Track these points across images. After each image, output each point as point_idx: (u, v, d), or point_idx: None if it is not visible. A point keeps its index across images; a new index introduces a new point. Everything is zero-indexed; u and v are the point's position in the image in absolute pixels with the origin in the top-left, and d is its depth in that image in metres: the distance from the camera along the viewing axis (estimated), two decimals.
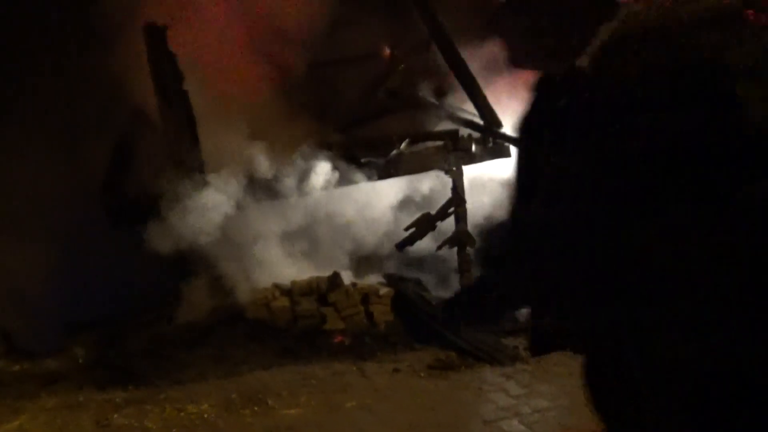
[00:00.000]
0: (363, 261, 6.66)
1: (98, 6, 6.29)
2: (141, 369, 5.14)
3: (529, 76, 7.36)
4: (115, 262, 6.16)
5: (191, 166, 5.90)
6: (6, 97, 6.35)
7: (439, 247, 6.60)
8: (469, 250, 6.54)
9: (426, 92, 7.00)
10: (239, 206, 6.12)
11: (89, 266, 6.20)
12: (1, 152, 6.07)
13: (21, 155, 6.39)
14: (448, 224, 6.51)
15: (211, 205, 5.98)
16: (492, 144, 6.60)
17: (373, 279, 6.35)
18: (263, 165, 6.18)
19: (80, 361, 5.42)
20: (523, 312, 6.20)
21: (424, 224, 6.58)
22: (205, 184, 5.87)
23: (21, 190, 6.17)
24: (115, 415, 4.38)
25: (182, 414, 4.38)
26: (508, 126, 6.66)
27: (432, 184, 6.80)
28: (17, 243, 5.86)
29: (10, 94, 6.34)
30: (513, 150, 6.60)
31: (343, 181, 6.24)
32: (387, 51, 7.92)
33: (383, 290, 5.96)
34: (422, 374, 4.92)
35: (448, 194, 6.41)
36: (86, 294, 6.11)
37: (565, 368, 4.88)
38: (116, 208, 5.77)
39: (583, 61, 1.42)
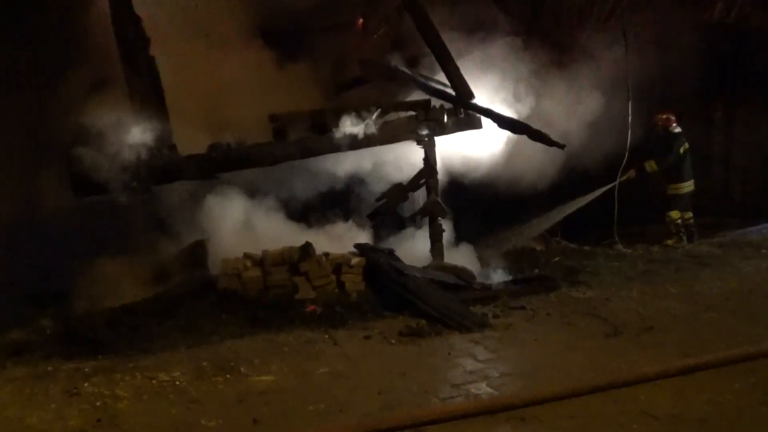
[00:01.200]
0: None
1: None
2: (110, 339, 5.09)
3: (500, 48, 7.43)
4: (79, 233, 6.06)
5: (159, 136, 5.79)
6: None
7: (411, 217, 6.66)
8: (441, 220, 6.62)
9: (398, 62, 6.97)
10: (209, 176, 6.05)
11: (52, 238, 6.08)
12: None
13: None
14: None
15: (181, 174, 5.91)
16: (463, 115, 6.63)
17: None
18: (234, 133, 6.11)
19: (47, 332, 5.34)
20: None
21: (396, 194, 6.63)
22: (174, 152, 5.78)
23: None
24: (85, 384, 4.35)
25: (153, 382, 4.36)
26: (480, 97, 6.70)
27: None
28: None
29: None
30: (485, 121, 6.65)
31: (314, 151, 6.21)
32: (359, 21, 7.85)
33: (355, 260, 5.99)
34: (393, 341, 4.99)
35: None
36: (51, 265, 6.01)
37: (530, 335, 5.03)
38: (80, 176, 5.63)
39: None
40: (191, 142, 5.94)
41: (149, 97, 5.75)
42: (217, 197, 6.55)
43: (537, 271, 6.89)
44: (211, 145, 5.89)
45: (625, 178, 7.90)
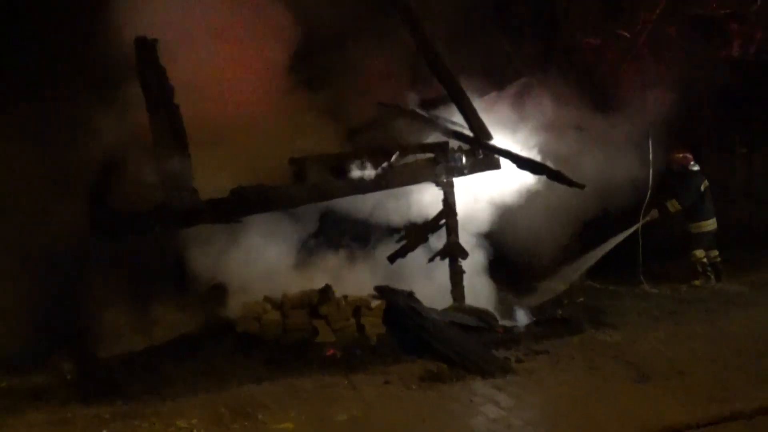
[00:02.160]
0: None
1: (92, 21, 6.34)
2: (129, 383, 5.08)
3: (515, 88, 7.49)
4: (99, 275, 6.13)
5: (181, 180, 5.88)
6: None
7: (431, 259, 6.61)
8: (461, 261, 6.56)
9: (415, 104, 7.05)
10: (229, 220, 6.11)
11: (75, 278, 6.15)
12: None
13: (7, 170, 6.37)
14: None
15: (202, 218, 5.97)
16: (482, 156, 6.64)
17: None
18: (253, 179, 6.18)
19: (68, 376, 5.34)
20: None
21: (416, 236, 6.60)
22: (195, 196, 5.85)
23: (3, 204, 6.13)
24: (104, 431, 4.32)
25: (171, 429, 4.32)
26: (498, 138, 6.72)
27: None
28: (3, 258, 5.82)
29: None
30: (503, 162, 6.64)
31: (333, 193, 6.25)
32: (376, 65, 7.97)
33: (375, 302, 5.93)
34: (413, 386, 4.90)
35: None
36: (72, 306, 6.07)
37: (555, 380, 4.90)
38: (103, 219, 5.72)
39: None
40: (212, 186, 6.02)
41: (172, 142, 5.86)
42: (238, 240, 6.59)
43: (560, 312, 6.76)
44: (233, 189, 5.95)
45: (648, 219, 7.79)
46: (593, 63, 8.93)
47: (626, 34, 8.56)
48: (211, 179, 6.01)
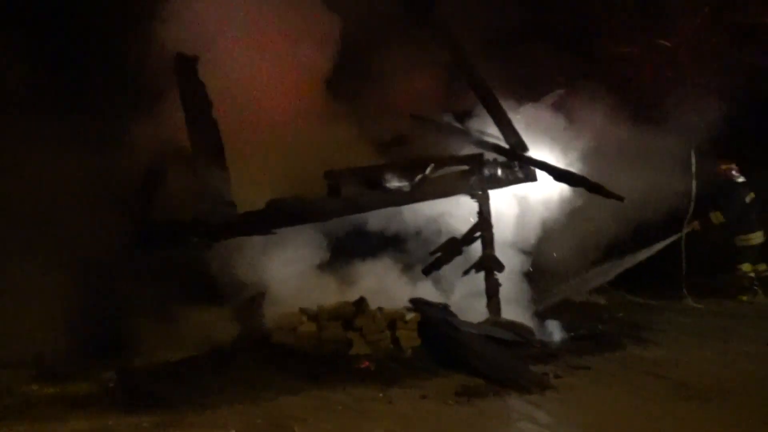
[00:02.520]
0: None
1: (132, 38, 6.54)
2: (168, 393, 5.14)
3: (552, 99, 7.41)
4: (140, 286, 6.26)
5: (219, 193, 5.98)
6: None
7: (466, 272, 6.56)
8: (497, 275, 6.49)
9: (450, 116, 7.03)
10: (265, 232, 6.18)
11: (117, 288, 6.30)
12: (33, 179, 6.27)
13: (50, 181, 6.59)
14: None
15: (239, 230, 6.06)
16: (518, 168, 6.57)
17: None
18: (288, 191, 6.25)
19: (110, 385, 5.45)
20: None
21: (451, 249, 6.56)
22: (233, 209, 5.94)
23: (48, 215, 6.32)
24: None
25: None
26: (535, 149, 6.64)
27: None
28: (48, 268, 6.00)
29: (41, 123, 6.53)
30: (539, 174, 6.56)
31: (368, 206, 6.26)
32: (410, 77, 8.00)
33: (409, 315, 5.91)
34: (449, 401, 4.83)
35: None
36: (115, 316, 6.21)
37: (594, 397, 4.77)
38: (143, 232, 5.86)
39: None
40: (249, 199, 6.11)
41: (210, 156, 5.98)
42: (274, 251, 6.65)
43: (600, 327, 6.60)
44: (268, 201, 6.02)
45: (689, 229, 7.58)
46: (632, 73, 8.77)
47: (667, 43, 8.39)
48: (248, 192, 6.11)
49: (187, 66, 6.02)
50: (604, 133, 7.60)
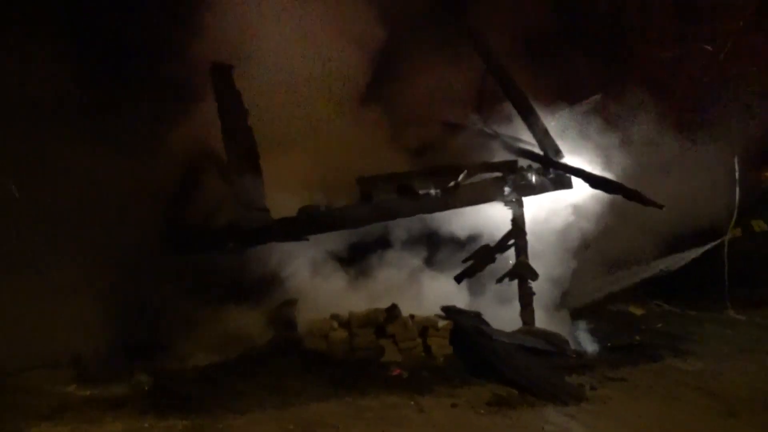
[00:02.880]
0: None
1: (171, 48, 6.69)
2: (201, 396, 5.20)
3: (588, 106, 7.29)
4: (175, 290, 6.36)
5: (253, 199, 6.05)
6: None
7: (499, 280, 6.48)
8: (531, 283, 6.39)
9: (483, 123, 6.98)
10: (298, 238, 6.22)
11: (154, 293, 6.42)
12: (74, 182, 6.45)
13: (90, 187, 6.76)
14: None
15: (272, 236, 6.11)
16: (552, 175, 6.47)
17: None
18: (323, 196, 6.29)
19: (145, 388, 5.54)
20: None
21: (483, 256, 6.49)
22: (267, 215, 6.00)
23: (87, 218, 6.47)
24: None
25: None
26: (570, 156, 6.54)
27: None
28: (86, 272, 6.15)
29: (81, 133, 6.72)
30: (575, 180, 6.45)
31: (400, 212, 6.24)
32: (443, 83, 7.98)
33: (442, 323, 5.87)
34: (481, 410, 4.77)
35: None
36: (151, 320, 6.32)
37: (632, 410, 4.64)
38: (178, 237, 5.95)
39: None
40: (282, 205, 6.16)
41: (245, 163, 6.05)
42: (307, 257, 6.69)
43: (637, 338, 6.44)
44: (301, 208, 6.07)
45: (730, 236, 7.35)
46: (671, 78, 8.57)
47: (708, 47, 8.17)
48: (281, 198, 6.16)
49: (222, 74, 6.13)
50: (641, 139, 7.46)
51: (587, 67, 8.33)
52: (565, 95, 7.53)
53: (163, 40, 6.88)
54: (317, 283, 6.52)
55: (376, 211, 6.22)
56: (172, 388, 5.45)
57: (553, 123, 6.74)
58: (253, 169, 6.10)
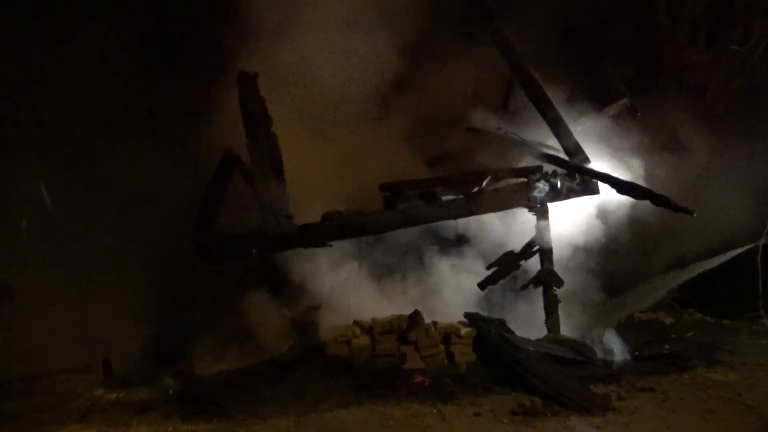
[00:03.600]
0: None
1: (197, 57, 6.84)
2: (225, 401, 5.25)
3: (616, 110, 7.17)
4: (201, 296, 6.45)
5: (277, 205, 6.10)
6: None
7: (523, 287, 6.39)
8: (556, 290, 6.30)
9: (508, 128, 6.92)
10: (322, 244, 6.24)
11: (180, 299, 6.52)
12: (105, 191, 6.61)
13: (123, 194, 6.92)
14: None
15: (296, 242, 6.15)
16: (579, 180, 6.37)
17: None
18: (344, 204, 6.31)
19: (170, 392, 5.61)
20: None
21: (508, 263, 6.41)
22: (290, 221, 6.04)
23: (123, 228, 6.63)
24: None
25: None
26: (597, 162, 6.43)
27: None
28: (116, 279, 6.29)
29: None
30: (602, 187, 6.34)
31: (423, 219, 6.22)
32: (469, 88, 7.95)
33: (464, 330, 5.81)
34: (504, 419, 4.70)
35: None
36: (177, 325, 6.42)
37: (661, 422, 4.52)
38: (206, 244, 6.03)
39: None
40: (306, 211, 6.20)
41: (269, 169, 6.11)
42: (330, 263, 6.71)
43: (667, 347, 6.26)
44: (324, 214, 6.09)
45: (765, 241, 7.11)
46: (703, 81, 8.39)
47: (740, 48, 7.97)
48: (305, 204, 6.21)
49: (248, 82, 6.20)
50: (671, 144, 7.31)
51: (616, 70, 8.21)
52: (593, 99, 7.42)
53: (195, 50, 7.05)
54: (341, 288, 6.53)
55: (399, 218, 6.20)
56: (197, 392, 5.53)
57: (579, 128, 6.64)
58: (277, 175, 6.16)
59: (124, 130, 7.21)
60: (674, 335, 6.71)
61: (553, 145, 6.62)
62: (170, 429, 4.88)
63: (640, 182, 6.28)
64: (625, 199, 6.32)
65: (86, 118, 7.06)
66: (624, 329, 6.88)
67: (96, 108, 7.06)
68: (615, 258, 7.04)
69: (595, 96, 7.53)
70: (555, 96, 6.64)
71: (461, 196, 6.14)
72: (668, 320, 7.15)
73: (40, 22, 6.96)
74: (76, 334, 6.15)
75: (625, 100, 7.58)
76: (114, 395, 5.57)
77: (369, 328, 5.95)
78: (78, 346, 6.12)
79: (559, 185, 6.31)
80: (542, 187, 6.21)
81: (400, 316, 5.93)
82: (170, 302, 6.67)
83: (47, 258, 6.50)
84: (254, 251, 6.14)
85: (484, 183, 6.21)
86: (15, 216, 6.65)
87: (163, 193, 7.07)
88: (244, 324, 6.45)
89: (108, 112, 7.17)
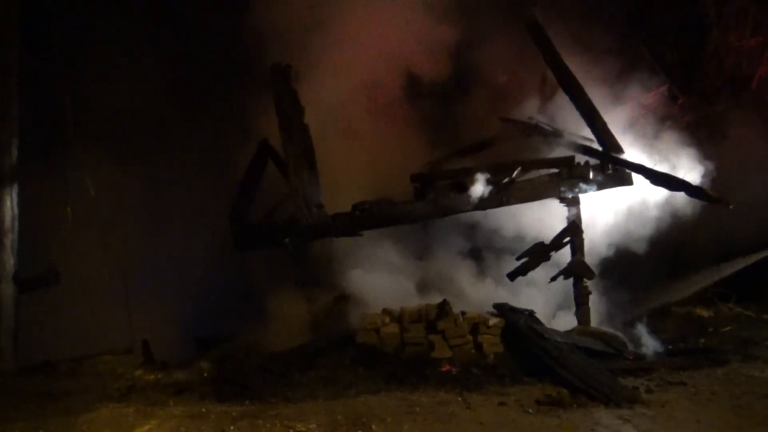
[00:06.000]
0: None
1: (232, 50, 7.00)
2: (257, 385, 5.42)
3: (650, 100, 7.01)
4: (237, 284, 6.65)
5: (310, 196, 6.23)
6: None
7: (553, 279, 6.35)
8: (586, 282, 6.24)
9: (540, 118, 6.85)
10: (353, 233, 6.34)
11: (217, 287, 6.74)
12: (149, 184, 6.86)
13: (167, 187, 7.17)
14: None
15: (328, 231, 6.28)
16: (611, 171, 6.28)
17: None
18: (376, 193, 6.38)
19: (205, 374, 5.82)
20: None
21: (538, 254, 6.38)
22: (323, 211, 6.17)
23: (163, 218, 6.88)
24: (231, 427, 4.64)
25: (291, 431, 4.54)
26: (630, 152, 6.32)
27: None
28: (158, 267, 6.54)
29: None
30: (635, 177, 6.23)
31: (454, 209, 6.25)
32: (503, 78, 7.89)
33: (493, 320, 5.82)
34: (530, 410, 4.70)
35: None
36: (214, 312, 6.64)
37: (691, 415, 4.45)
38: (241, 234, 6.20)
39: None
40: (338, 201, 6.31)
41: (302, 160, 6.24)
42: (362, 252, 6.80)
43: (702, 341, 6.14)
44: (355, 204, 6.18)
45: None
46: (749, 67, 8.10)
47: None
48: (336, 194, 6.31)
49: (281, 74, 6.33)
50: (714, 133, 7.10)
51: (658, 58, 8.01)
52: (634, 87, 7.26)
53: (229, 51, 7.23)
54: (371, 278, 6.62)
55: (429, 208, 6.25)
56: (232, 376, 5.72)
57: (613, 117, 6.52)
58: (310, 166, 6.29)
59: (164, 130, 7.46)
60: (711, 329, 6.57)
61: (586, 136, 6.53)
62: (204, 410, 5.07)
63: (679, 173, 6.14)
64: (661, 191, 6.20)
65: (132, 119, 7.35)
66: (661, 322, 6.78)
67: (141, 110, 7.34)
68: (656, 250, 6.88)
69: (635, 83, 7.36)
70: (593, 83, 6.55)
71: (492, 187, 6.14)
72: (706, 314, 6.99)
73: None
74: (118, 318, 6.43)
75: (666, 87, 7.40)
76: (152, 377, 5.82)
77: (398, 317, 6.03)
78: (120, 329, 6.39)
79: (591, 176, 6.23)
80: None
81: (429, 305, 5.98)
82: (208, 291, 6.90)
83: (92, 246, 6.79)
84: (287, 240, 6.29)
85: (515, 173, 6.19)
86: (64, 205, 6.95)
87: (201, 185, 7.29)
88: (277, 311, 6.60)
89: (151, 114, 7.44)
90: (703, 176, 6.29)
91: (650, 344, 6.11)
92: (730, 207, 5.68)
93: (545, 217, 6.42)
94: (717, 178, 6.39)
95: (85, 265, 6.93)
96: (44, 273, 6.41)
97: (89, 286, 6.90)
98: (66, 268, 6.59)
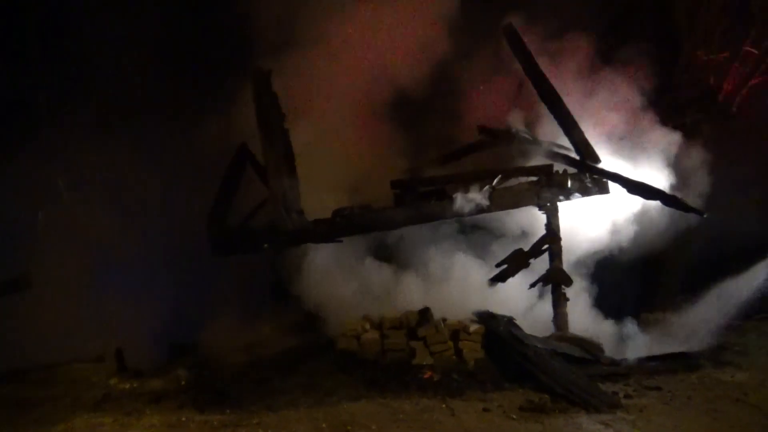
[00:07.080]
0: None
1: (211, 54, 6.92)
2: (237, 393, 5.33)
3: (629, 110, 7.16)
4: (212, 290, 6.55)
5: (289, 201, 6.16)
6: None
7: (533, 285, 6.43)
8: (565, 288, 6.33)
9: (519, 127, 6.94)
10: (332, 239, 6.31)
11: (192, 292, 6.62)
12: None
13: (137, 190, 7.02)
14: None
15: (308, 237, 6.22)
16: (589, 180, 6.39)
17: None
18: (357, 199, 6.37)
19: (182, 382, 5.71)
20: None
21: (517, 260, 6.44)
22: (302, 217, 6.11)
23: (135, 223, 6.73)
24: None
25: None
26: (607, 161, 6.44)
27: None
28: (130, 271, 6.40)
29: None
30: (612, 186, 6.35)
31: (434, 216, 6.27)
32: (480, 87, 7.96)
33: (473, 327, 5.85)
34: (513, 416, 4.75)
35: None
36: (188, 317, 6.52)
37: (668, 420, 4.55)
38: (218, 238, 6.11)
39: None
40: (318, 207, 6.27)
41: (282, 165, 6.17)
42: (341, 258, 6.77)
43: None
44: (335, 210, 6.16)
45: None
46: (717, 81, 8.35)
47: (754, 50, 7.93)
48: (316, 200, 6.27)
49: (262, 79, 6.27)
50: (687, 144, 7.28)
51: (632, 69, 8.18)
52: (608, 97, 7.40)
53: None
54: (351, 284, 6.59)
55: (409, 214, 6.26)
56: (210, 384, 5.62)
57: (591, 128, 6.63)
58: (290, 171, 6.23)
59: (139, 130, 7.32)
60: (684, 335, 6.72)
61: (564, 145, 6.63)
62: (183, 419, 4.97)
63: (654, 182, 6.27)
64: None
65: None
66: (634, 328, 6.91)
67: (115, 109, 7.19)
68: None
69: (612, 92, 7.49)
70: (567, 93, 6.65)
71: (471, 194, 6.18)
72: (677, 319, 7.15)
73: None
74: (91, 325, 6.27)
75: (641, 97, 7.55)
76: (127, 385, 5.68)
77: (378, 323, 6.01)
78: (93, 336, 6.23)
79: (569, 184, 6.33)
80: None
81: (410, 312, 5.99)
82: (182, 296, 6.77)
83: (64, 251, 6.62)
84: (266, 246, 6.22)
85: (495, 181, 6.25)
86: (34, 210, 6.77)
87: (175, 189, 7.17)
88: (257, 318, 6.53)
89: (126, 114, 7.30)
90: (677, 186, 6.46)
91: (626, 349, 6.24)
92: (704, 216, 5.83)
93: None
94: (691, 188, 6.57)
95: (55, 269, 6.74)
96: (14, 278, 6.20)
97: (60, 291, 6.70)
98: (36, 272, 6.41)
